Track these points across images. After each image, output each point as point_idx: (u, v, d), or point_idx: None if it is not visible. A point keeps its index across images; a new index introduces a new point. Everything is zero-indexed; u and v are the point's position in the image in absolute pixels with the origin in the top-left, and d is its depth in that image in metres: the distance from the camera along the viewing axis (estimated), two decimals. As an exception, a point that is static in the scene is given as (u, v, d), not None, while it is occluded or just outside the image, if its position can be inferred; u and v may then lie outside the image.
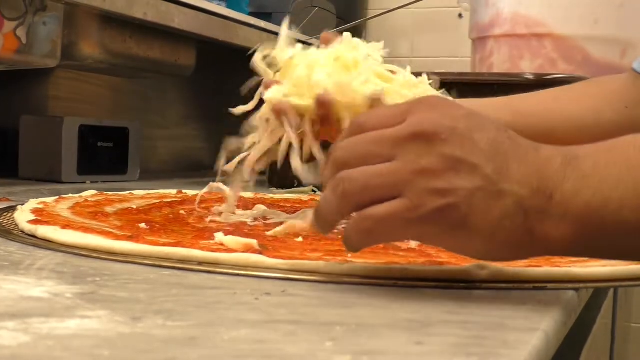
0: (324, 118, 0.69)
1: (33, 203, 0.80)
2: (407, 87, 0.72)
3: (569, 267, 0.54)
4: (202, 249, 0.57)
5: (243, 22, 1.58)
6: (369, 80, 0.69)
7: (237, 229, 0.68)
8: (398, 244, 0.62)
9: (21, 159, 1.31)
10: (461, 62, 2.31)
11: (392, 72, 0.73)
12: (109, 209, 0.81)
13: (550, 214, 0.46)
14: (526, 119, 0.86)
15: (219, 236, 0.61)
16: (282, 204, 0.94)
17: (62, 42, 1.21)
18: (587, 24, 1.65)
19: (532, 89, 0.93)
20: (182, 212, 0.82)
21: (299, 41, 0.74)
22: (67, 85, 1.50)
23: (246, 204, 0.86)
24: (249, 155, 0.73)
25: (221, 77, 1.86)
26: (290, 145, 0.70)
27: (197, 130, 1.90)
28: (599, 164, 0.47)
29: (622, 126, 0.86)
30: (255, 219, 0.76)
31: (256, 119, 0.72)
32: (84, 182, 1.28)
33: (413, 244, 0.63)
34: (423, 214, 0.45)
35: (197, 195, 0.86)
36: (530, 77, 1.18)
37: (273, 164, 0.73)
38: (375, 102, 0.68)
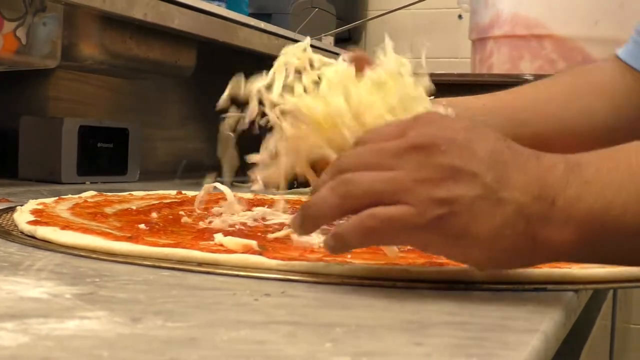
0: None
1: (32, 204, 0.80)
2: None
3: (569, 268, 0.54)
4: (201, 249, 0.57)
5: (243, 23, 1.58)
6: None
7: (236, 230, 0.68)
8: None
9: (21, 160, 1.31)
10: (461, 63, 2.31)
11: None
12: (108, 210, 0.81)
13: (553, 219, 0.46)
14: (522, 129, 0.85)
15: (219, 237, 0.61)
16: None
17: (62, 42, 1.21)
18: (587, 25, 1.65)
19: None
20: (181, 212, 0.82)
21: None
22: (67, 86, 1.50)
23: (246, 205, 0.86)
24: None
25: (221, 78, 1.86)
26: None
27: (197, 131, 1.90)
28: (601, 171, 0.47)
29: (616, 128, 0.86)
30: (255, 220, 0.76)
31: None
32: (84, 183, 1.28)
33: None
34: (425, 222, 0.46)
35: (196, 196, 0.85)
36: (530, 77, 1.19)
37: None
38: None
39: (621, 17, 1.65)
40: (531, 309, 0.47)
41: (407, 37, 2.46)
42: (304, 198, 1.07)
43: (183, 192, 1.04)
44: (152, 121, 1.72)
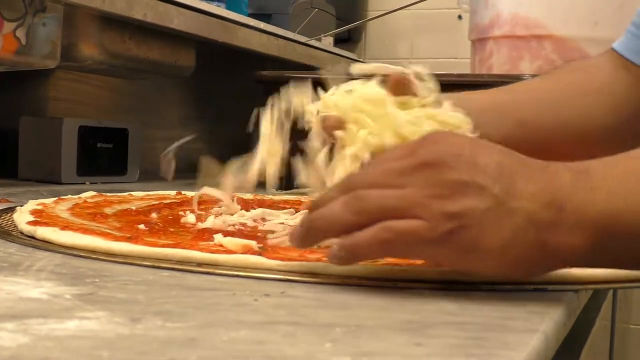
0: None
1: (32, 204, 0.80)
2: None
3: (568, 268, 0.54)
4: (201, 250, 0.57)
5: (242, 24, 1.58)
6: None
7: (236, 230, 0.68)
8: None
9: (20, 160, 1.31)
10: (461, 63, 2.31)
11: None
12: (108, 210, 0.81)
13: (562, 224, 0.47)
14: (523, 129, 0.85)
15: (218, 237, 0.61)
16: (281, 205, 0.94)
17: (61, 43, 1.21)
18: (586, 26, 1.65)
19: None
20: (181, 213, 0.82)
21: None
22: (67, 86, 1.50)
23: (246, 205, 0.86)
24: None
25: (221, 78, 1.86)
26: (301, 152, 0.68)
27: (196, 131, 1.90)
28: (608, 177, 0.48)
29: (616, 128, 0.86)
30: (255, 220, 0.76)
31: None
32: (83, 183, 1.28)
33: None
34: (437, 236, 0.47)
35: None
36: (530, 78, 1.18)
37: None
38: None
39: (621, 17, 1.65)
40: (531, 309, 0.47)
41: (407, 38, 2.46)
42: (303, 198, 1.07)
43: (183, 192, 1.04)
44: (152, 121, 1.72)
